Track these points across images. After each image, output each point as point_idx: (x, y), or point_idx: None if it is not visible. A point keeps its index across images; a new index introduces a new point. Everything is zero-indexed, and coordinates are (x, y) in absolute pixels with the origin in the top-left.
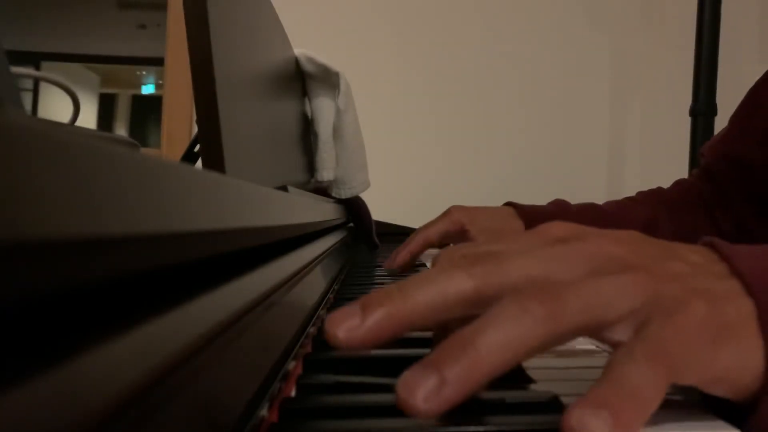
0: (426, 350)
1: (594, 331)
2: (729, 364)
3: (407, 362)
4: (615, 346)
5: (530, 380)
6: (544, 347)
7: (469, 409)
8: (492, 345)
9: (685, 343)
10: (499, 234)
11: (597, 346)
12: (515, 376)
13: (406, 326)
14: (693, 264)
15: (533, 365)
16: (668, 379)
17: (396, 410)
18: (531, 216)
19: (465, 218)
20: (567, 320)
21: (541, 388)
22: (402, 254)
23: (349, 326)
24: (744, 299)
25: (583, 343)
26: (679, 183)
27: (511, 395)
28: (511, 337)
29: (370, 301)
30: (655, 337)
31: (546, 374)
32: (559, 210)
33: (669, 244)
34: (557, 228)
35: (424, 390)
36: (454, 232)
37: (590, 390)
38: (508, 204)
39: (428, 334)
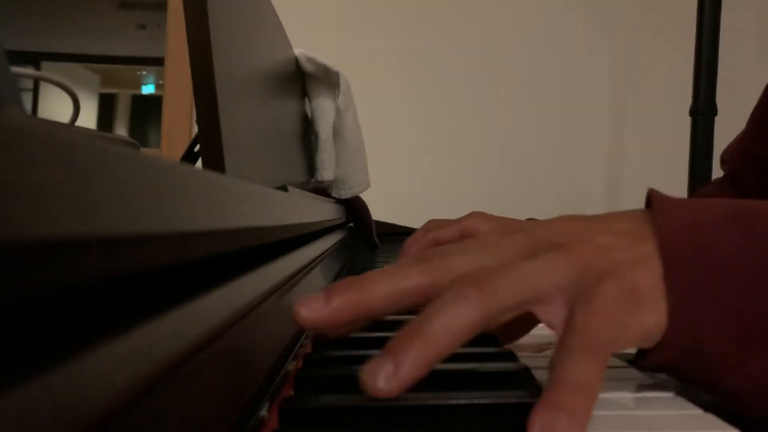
0: None
1: (527, 306)
2: (649, 324)
3: None
4: (550, 325)
5: (538, 386)
6: (484, 325)
7: (473, 410)
8: (437, 329)
9: (609, 324)
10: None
11: None
12: (522, 381)
13: (363, 312)
14: (618, 232)
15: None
16: (603, 362)
17: (395, 411)
18: None
19: (482, 227)
20: (499, 299)
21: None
22: (410, 252)
23: (313, 307)
24: (655, 261)
25: None
26: (702, 194)
27: (514, 395)
28: (453, 321)
29: (333, 288)
30: (584, 328)
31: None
32: None
33: (600, 217)
34: (499, 228)
35: (384, 374)
36: (468, 237)
37: (544, 393)
38: (531, 220)
39: None
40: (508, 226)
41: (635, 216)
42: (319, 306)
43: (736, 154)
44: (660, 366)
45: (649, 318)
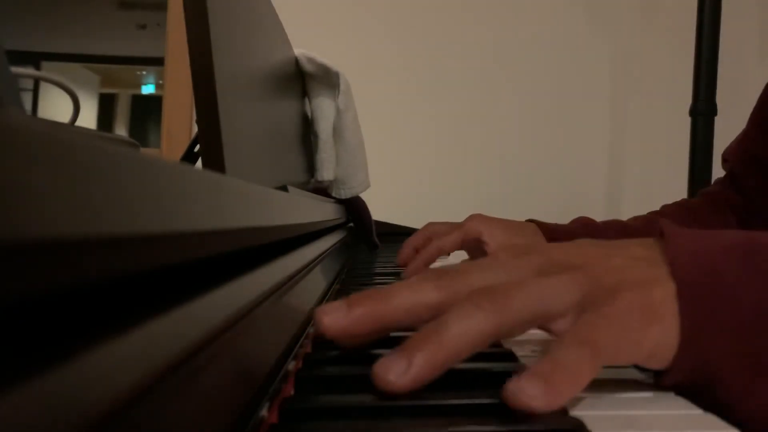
0: None
1: (541, 322)
2: (657, 341)
3: None
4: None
5: None
6: (497, 336)
7: (473, 409)
8: (451, 336)
9: (611, 329)
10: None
11: None
12: None
13: (383, 323)
14: (632, 257)
15: None
16: (596, 360)
17: (396, 411)
18: (553, 233)
19: (483, 230)
20: (513, 314)
21: None
22: (416, 263)
23: (335, 316)
24: (669, 283)
25: None
26: (704, 193)
27: None
28: (466, 329)
29: (355, 298)
30: (583, 326)
31: None
32: (582, 227)
33: (614, 243)
34: (515, 247)
35: (396, 370)
36: (470, 241)
37: (527, 368)
38: (531, 221)
39: None
40: (520, 247)
41: (648, 243)
42: (341, 316)
43: (736, 154)
44: (676, 386)
45: (660, 333)
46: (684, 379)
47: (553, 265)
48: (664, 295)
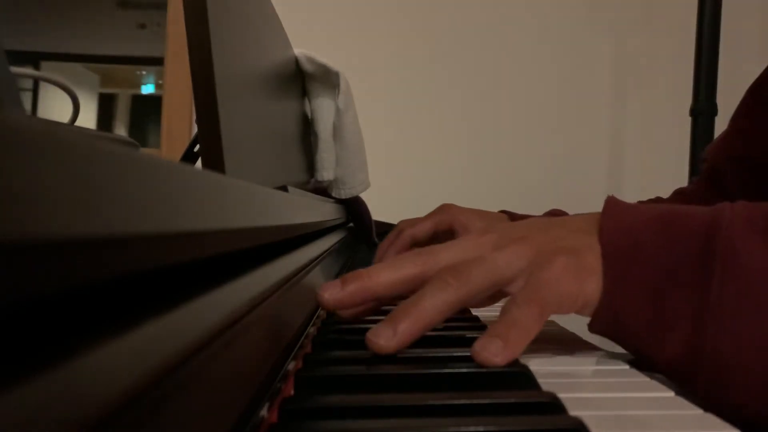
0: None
1: (498, 287)
2: (590, 293)
3: (402, 363)
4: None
5: (537, 386)
6: (462, 304)
7: (473, 408)
8: (426, 306)
9: (552, 286)
10: None
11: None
12: (522, 382)
13: (370, 295)
14: (572, 228)
15: (540, 370)
16: (543, 314)
17: (395, 410)
18: None
19: (454, 219)
20: (473, 284)
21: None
22: (389, 254)
23: (332, 292)
24: (597, 248)
25: (590, 357)
26: (680, 192)
27: (514, 395)
28: (437, 301)
29: (348, 277)
30: (529, 286)
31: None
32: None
33: (559, 218)
34: (478, 229)
35: (384, 335)
36: (442, 232)
37: (488, 328)
38: (503, 212)
39: (416, 354)
40: (481, 228)
41: (589, 217)
42: (336, 291)
43: (719, 154)
44: (599, 333)
45: (590, 289)
46: (603, 328)
47: (505, 240)
48: (594, 258)
